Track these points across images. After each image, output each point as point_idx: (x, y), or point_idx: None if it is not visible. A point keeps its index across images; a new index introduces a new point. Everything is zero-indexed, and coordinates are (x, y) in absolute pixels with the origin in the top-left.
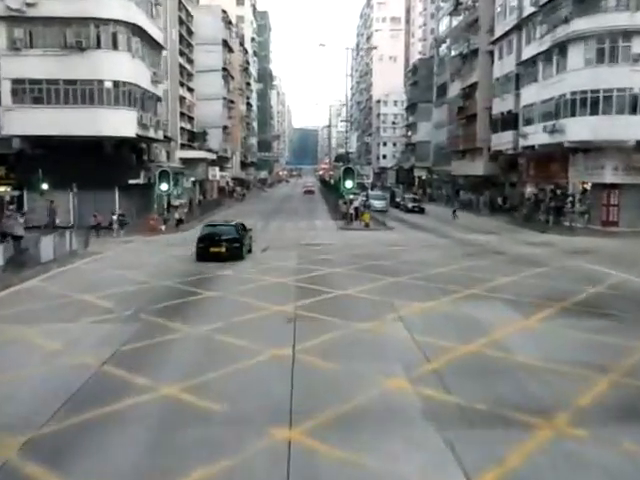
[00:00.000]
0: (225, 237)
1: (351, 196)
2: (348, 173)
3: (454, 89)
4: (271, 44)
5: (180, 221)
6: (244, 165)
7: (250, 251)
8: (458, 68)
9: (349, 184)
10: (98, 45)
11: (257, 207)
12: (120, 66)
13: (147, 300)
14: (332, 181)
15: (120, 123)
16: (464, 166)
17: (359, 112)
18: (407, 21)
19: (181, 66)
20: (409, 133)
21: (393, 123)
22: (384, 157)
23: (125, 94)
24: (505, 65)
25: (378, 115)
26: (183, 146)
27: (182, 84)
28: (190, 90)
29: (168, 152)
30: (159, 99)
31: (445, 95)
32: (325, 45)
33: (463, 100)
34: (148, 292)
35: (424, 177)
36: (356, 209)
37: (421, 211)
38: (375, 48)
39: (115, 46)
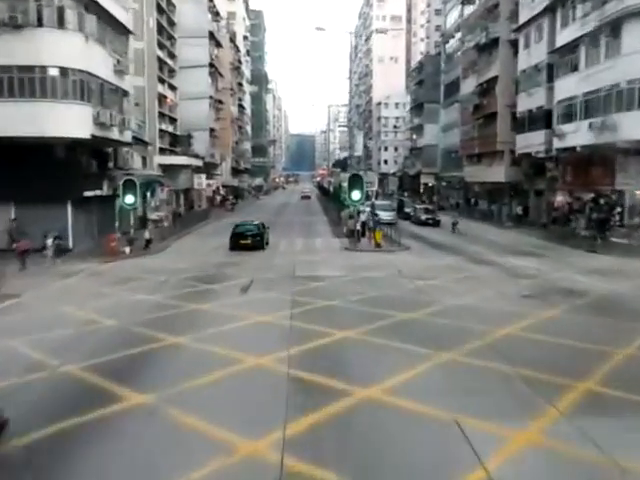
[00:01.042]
0: (250, 233)
1: (360, 208)
2: (355, 182)
3: (468, 86)
4: (266, 45)
5: (149, 242)
6: (237, 172)
7: (267, 243)
8: (473, 62)
9: (356, 195)
10: (39, 23)
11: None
12: (69, 50)
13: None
14: (331, 188)
15: (70, 121)
16: (480, 172)
17: (358, 116)
18: (408, 20)
19: (161, 60)
20: (414, 136)
21: (394, 127)
22: (385, 162)
23: (76, 85)
24: (533, 55)
25: (379, 118)
26: (164, 151)
27: (162, 80)
28: (172, 88)
29: (145, 158)
30: (125, 93)
31: (456, 93)
32: (323, 29)
33: (479, 97)
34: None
35: (431, 184)
36: (363, 224)
37: (436, 224)
38: (384, 32)
39: (62, 24)
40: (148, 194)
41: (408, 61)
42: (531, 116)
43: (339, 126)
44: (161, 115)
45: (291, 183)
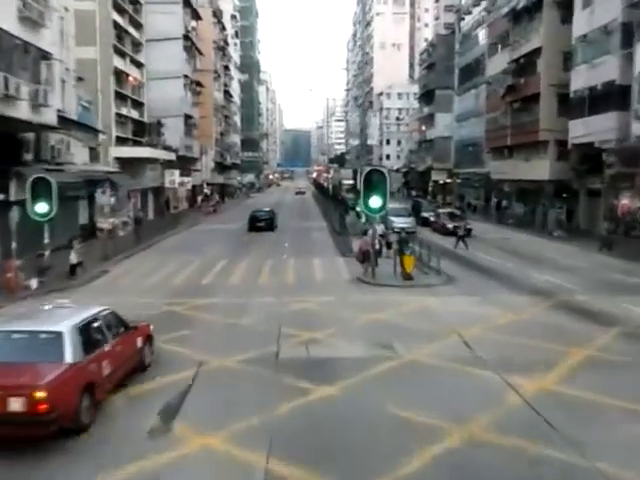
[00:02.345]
0: (264, 218)
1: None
2: (375, 182)
3: (497, 64)
4: (258, 33)
5: (75, 267)
6: (223, 167)
7: (277, 226)
8: (504, 34)
9: (376, 202)
10: None
11: (228, 228)
12: None
13: None
14: (330, 186)
15: None
16: (513, 167)
17: (357, 108)
18: (412, 4)
19: (120, 28)
20: (423, 127)
21: (397, 118)
22: (387, 158)
23: None
24: (599, 13)
25: (380, 110)
26: (124, 141)
27: (122, 54)
28: (138, 65)
29: (93, 150)
30: (45, 56)
31: (474, 78)
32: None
33: (514, 76)
34: None
35: (442, 181)
36: (384, 246)
37: (467, 233)
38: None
39: None
40: (98, 196)
41: (411, 48)
42: (594, 95)
43: (336, 120)
44: (120, 97)
45: (286, 180)
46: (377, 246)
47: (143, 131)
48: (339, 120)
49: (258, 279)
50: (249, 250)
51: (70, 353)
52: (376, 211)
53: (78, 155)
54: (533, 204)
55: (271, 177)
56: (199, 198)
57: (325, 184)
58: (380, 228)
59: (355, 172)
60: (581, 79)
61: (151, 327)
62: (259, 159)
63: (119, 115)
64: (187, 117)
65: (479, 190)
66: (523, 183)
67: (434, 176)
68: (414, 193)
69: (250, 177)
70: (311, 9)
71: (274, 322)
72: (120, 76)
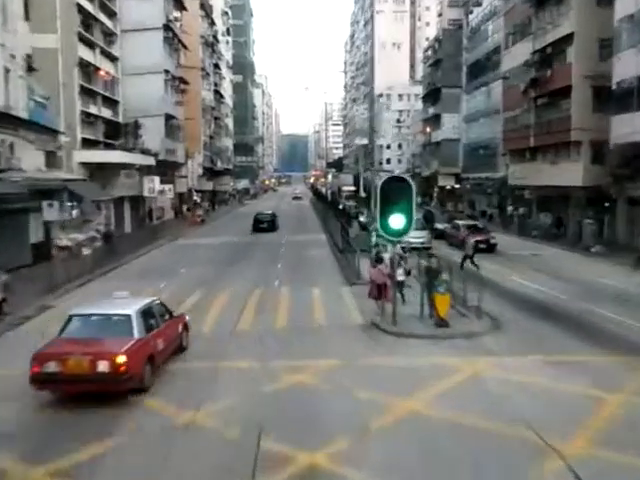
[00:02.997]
0: (266, 220)
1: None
2: (396, 194)
3: (516, 56)
4: (253, 32)
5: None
6: (214, 173)
7: (278, 227)
8: (526, 20)
9: (398, 222)
10: None
11: (215, 242)
12: None
13: None
14: (328, 192)
15: None
16: (536, 172)
17: (364, 101)
18: (412, 2)
19: (88, 15)
20: (428, 129)
21: (398, 121)
22: (388, 162)
23: None
24: None
25: (381, 111)
26: (95, 144)
27: (91, 45)
28: (111, 58)
29: (51, 154)
30: None
31: (483, 75)
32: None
33: (539, 69)
34: None
35: (450, 187)
36: (405, 274)
37: (491, 248)
38: None
39: None
40: (45, 209)
41: (412, 48)
42: None
43: (333, 124)
44: (89, 93)
45: (283, 185)
46: (400, 277)
47: (118, 133)
48: (336, 124)
49: (239, 321)
50: (234, 273)
51: (137, 331)
52: (398, 234)
53: (28, 160)
54: (557, 213)
55: (267, 183)
56: (184, 207)
57: (323, 190)
58: (397, 248)
59: (356, 177)
60: (627, 67)
61: (187, 317)
62: (253, 164)
63: (87, 114)
64: (169, 117)
65: (492, 197)
66: (547, 190)
67: (441, 181)
68: (419, 200)
69: (244, 183)
70: (307, 12)
71: (251, 423)
72: (88, 70)
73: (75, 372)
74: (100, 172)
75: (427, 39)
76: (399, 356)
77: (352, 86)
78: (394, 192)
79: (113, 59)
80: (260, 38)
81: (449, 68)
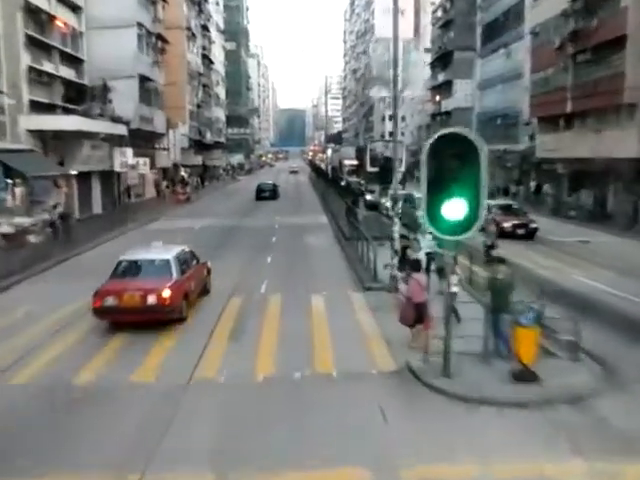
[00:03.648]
0: (267, 189)
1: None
2: (452, 167)
3: (547, 7)
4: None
5: None
6: (203, 146)
7: (279, 195)
8: None
9: (458, 210)
10: None
11: (192, 226)
12: None
13: None
14: (328, 167)
15: None
16: (572, 142)
17: (355, 82)
18: None
19: None
20: (437, 98)
21: (401, 91)
22: (390, 135)
23: None
24: None
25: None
26: (51, 108)
27: None
28: (72, 8)
29: None
30: None
31: (506, 32)
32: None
33: (580, 19)
34: None
35: None
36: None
37: (530, 234)
38: None
39: None
40: None
41: (416, 13)
42: None
43: (332, 97)
44: (42, 47)
45: (280, 160)
46: (454, 287)
47: (82, 96)
48: (335, 97)
49: (199, 362)
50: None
51: (175, 272)
52: (457, 229)
53: None
54: (597, 190)
55: (264, 158)
56: (164, 184)
57: (322, 165)
58: (427, 241)
59: (360, 150)
60: None
61: (209, 263)
62: (248, 137)
63: (39, 72)
64: (144, 79)
65: (511, 171)
66: (585, 163)
67: None
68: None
69: (239, 158)
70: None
71: None
72: (39, 18)
73: (129, 305)
74: (57, 142)
75: (432, 3)
76: (468, 453)
77: (352, 56)
78: (448, 163)
79: (75, 8)
80: (257, 11)
81: (461, 29)
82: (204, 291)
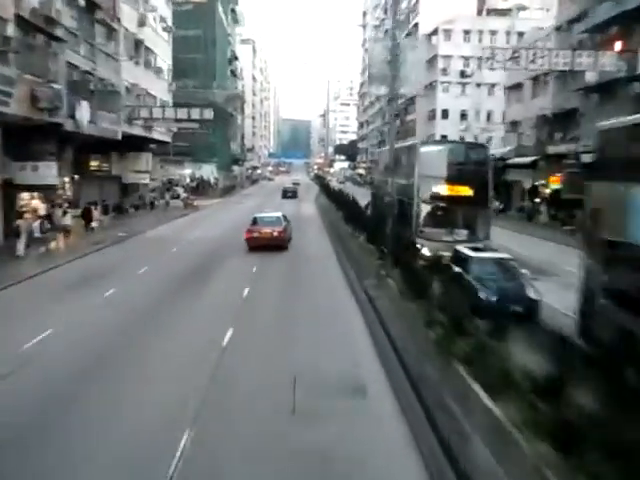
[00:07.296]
0: (291, 190)
1: None
2: None
3: None
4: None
5: None
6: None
7: (298, 197)
8: None
9: None
10: None
11: None
12: None
13: None
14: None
15: None
16: None
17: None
18: None
19: None
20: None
21: (463, 74)
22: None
23: None
24: None
25: (434, 57)
26: None
27: None
28: None
29: None
30: None
31: None
32: None
33: None
34: None
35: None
36: None
37: None
38: None
39: None
40: None
41: None
42: None
43: (341, 104)
44: None
45: (282, 174)
46: None
47: None
48: (345, 104)
49: None
50: None
51: (283, 222)
52: None
53: None
54: None
55: (259, 171)
56: None
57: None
58: None
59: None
60: None
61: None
62: (229, 138)
63: None
64: None
65: None
66: None
67: None
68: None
69: (209, 169)
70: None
71: None
72: None
73: (264, 236)
74: None
75: None
76: None
77: (376, 39)
78: None
79: None
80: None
81: None
82: (290, 239)
